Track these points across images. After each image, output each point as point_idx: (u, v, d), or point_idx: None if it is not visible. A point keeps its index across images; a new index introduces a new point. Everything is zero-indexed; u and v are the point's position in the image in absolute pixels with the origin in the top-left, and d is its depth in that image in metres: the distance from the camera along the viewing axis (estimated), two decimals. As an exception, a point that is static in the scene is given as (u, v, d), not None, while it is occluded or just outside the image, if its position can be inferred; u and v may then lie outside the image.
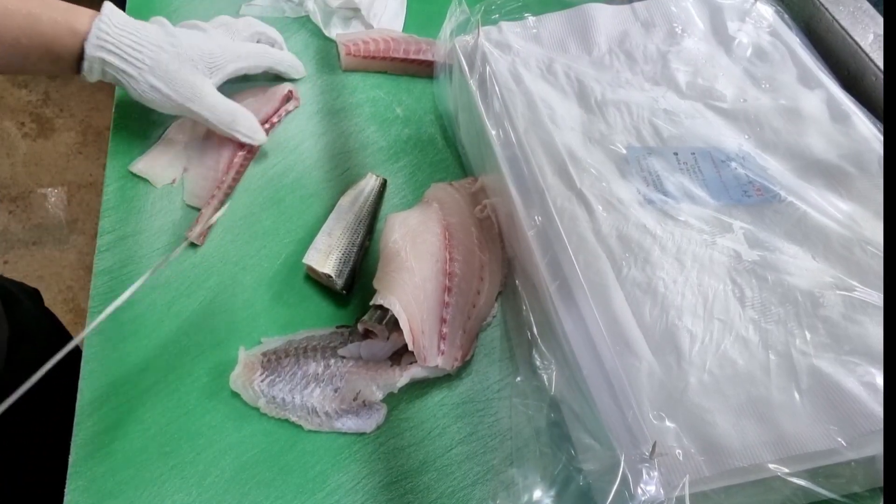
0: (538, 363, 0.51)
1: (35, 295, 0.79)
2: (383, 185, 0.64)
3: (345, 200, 0.62)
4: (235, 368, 0.52)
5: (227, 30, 0.66)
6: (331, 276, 0.55)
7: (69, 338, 0.54)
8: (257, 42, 0.69)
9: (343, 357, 0.53)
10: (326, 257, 0.56)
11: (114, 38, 0.57)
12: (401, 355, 0.52)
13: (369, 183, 0.63)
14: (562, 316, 0.49)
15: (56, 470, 0.49)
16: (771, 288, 0.48)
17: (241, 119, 0.63)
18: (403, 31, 0.78)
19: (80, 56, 0.57)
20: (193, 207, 0.62)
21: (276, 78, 0.71)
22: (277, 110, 0.69)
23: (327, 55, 0.76)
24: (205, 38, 0.62)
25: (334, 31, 0.76)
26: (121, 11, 0.59)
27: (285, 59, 0.70)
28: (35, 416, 0.67)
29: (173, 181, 0.64)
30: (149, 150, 0.65)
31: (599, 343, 0.45)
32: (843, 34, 0.64)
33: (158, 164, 0.64)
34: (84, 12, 0.57)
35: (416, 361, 0.51)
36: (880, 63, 0.60)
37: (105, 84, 0.61)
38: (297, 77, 0.72)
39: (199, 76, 0.61)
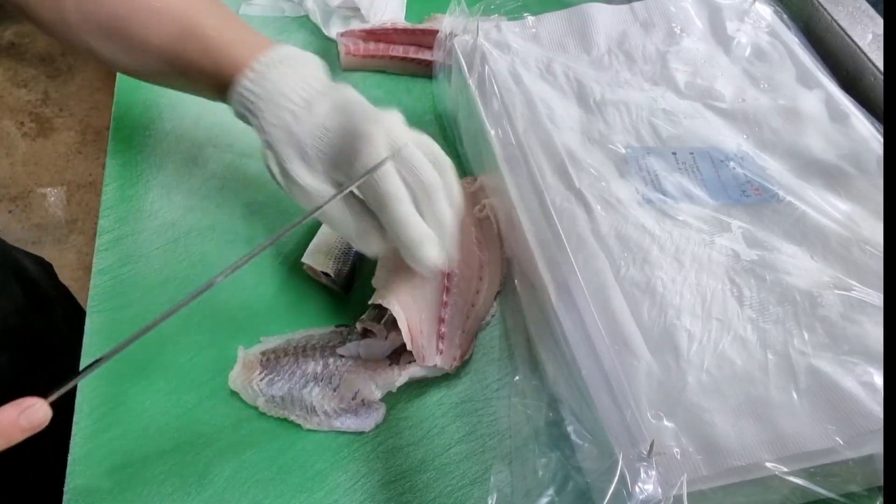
0: (537, 362, 0.51)
1: (49, 269, 0.79)
2: (382, 184, 0.64)
3: (343, 200, 0.62)
4: (234, 367, 0.52)
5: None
6: (329, 276, 0.55)
7: (81, 309, 0.54)
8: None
9: (342, 356, 0.53)
10: (324, 257, 0.56)
11: (252, 104, 0.48)
12: (400, 354, 0.53)
13: (367, 182, 0.63)
14: (560, 315, 0.49)
15: (54, 469, 0.49)
16: (769, 287, 0.48)
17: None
18: (403, 30, 0.78)
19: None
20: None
21: None
22: None
23: (327, 55, 0.75)
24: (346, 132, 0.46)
25: (334, 31, 0.76)
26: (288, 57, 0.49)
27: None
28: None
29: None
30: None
31: (598, 342, 0.45)
32: (842, 34, 0.64)
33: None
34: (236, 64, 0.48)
35: (415, 361, 0.51)
36: (879, 63, 0.61)
37: (105, 84, 0.61)
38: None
39: (312, 173, 0.47)
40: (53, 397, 0.37)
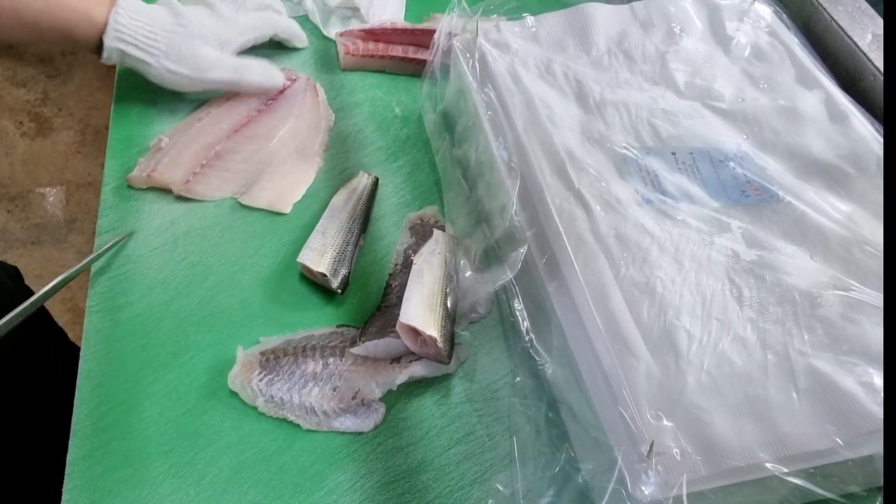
0: (537, 363, 0.51)
1: (14, 272, 0.79)
2: (375, 183, 0.64)
3: (338, 199, 0.62)
4: (234, 367, 0.52)
5: (233, 2, 0.68)
6: (326, 276, 0.55)
7: (47, 315, 0.54)
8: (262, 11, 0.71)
9: (342, 356, 0.53)
10: (321, 256, 0.56)
11: (130, 30, 0.60)
12: (401, 353, 0.53)
13: (361, 181, 0.63)
14: (560, 315, 0.49)
15: (54, 469, 0.49)
16: (769, 288, 0.48)
17: (256, 67, 0.66)
18: (402, 30, 0.78)
19: (98, 43, 0.60)
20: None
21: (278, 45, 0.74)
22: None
23: (326, 54, 0.76)
24: (211, 15, 0.65)
25: (333, 31, 0.76)
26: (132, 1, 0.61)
27: (288, 26, 0.72)
28: (33, 415, 0.67)
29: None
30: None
31: (598, 343, 0.45)
32: (842, 34, 0.64)
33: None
34: (102, 4, 0.60)
35: (415, 360, 0.51)
36: (879, 63, 0.61)
37: (104, 83, 0.62)
38: (300, 46, 0.74)
39: (210, 50, 0.63)
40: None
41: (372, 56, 0.73)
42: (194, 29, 0.62)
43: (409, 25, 0.74)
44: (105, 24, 0.59)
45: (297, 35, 0.73)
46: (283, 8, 0.73)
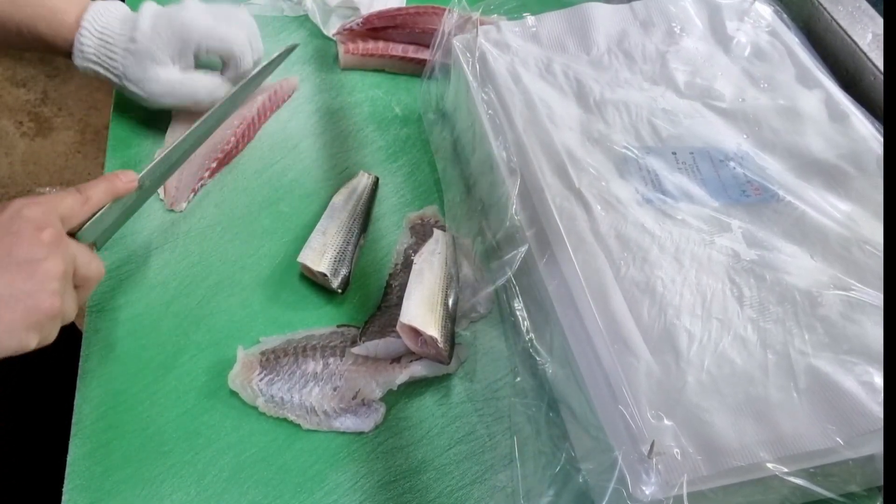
0: (537, 363, 0.51)
1: None
2: (375, 182, 0.64)
3: (338, 199, 0.62)
4: (234, 367, 0.52)
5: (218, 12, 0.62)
6: (326, 275, 0.55)
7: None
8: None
9: (342, 356, 0.53)
10: (321, 256, 0.56)
11: (94, 50, 0.60)
12: (401, 353, 0.53)
13: (361, 181, 0.63)
14: (560, 315, 0.49)
15: (54, 469, 0.49)
16: (769, 287, 0.48)
17: (200, 88, 0.62)
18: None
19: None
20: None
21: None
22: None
23: (326, 54, 0.76)
24: (169, 23, 0.59)
25: (333, 30, 0.76)
26: (102, 9, 0.59)
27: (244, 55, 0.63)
28: (33, 415, 0.67)
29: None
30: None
31: (598, 342, 0.45)
32: (842, 34, 0.64)
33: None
34: (71, 15, 0.59)
35: (416, 360, 0.51)
36: (879, 63, 0.61)
37: (104, 83, 0.62)
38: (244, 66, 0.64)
39: (161, 69, 0.60)
40: (143, 173, 0.52)
41: (372, 55, 0.73)
42: (143, 46, 0.58)
43: (411, 8, 0.73)
44: (73, 45, 0.59)
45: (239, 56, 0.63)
46: (260, 49, 0.65)
